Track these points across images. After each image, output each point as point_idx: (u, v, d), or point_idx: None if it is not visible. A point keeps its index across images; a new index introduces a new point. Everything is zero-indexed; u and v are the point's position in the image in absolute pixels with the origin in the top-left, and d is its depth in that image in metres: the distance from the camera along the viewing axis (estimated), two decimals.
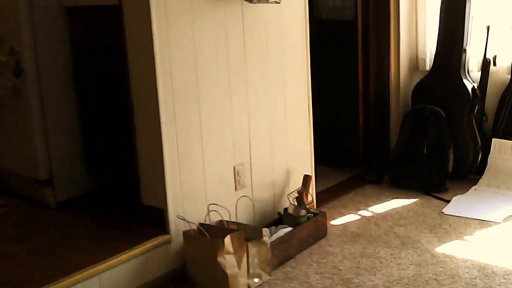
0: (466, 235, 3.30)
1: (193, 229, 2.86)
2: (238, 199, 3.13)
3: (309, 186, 3.41)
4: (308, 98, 3.56)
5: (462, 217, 3.52)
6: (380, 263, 3.03)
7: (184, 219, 2.84)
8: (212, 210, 2.94)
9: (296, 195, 3.34)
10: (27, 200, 3.49)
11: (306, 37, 3.49)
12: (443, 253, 3.09)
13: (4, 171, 3.67)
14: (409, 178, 4.06)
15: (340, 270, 2.98)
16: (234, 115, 3.12)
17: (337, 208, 3.78)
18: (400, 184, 4.08)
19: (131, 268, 2.74)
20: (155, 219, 2.89)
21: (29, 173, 3.42)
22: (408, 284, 2.80)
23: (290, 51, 3.41)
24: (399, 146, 4.15)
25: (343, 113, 4.48)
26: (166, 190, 2.83)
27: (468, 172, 4.11)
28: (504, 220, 3.45)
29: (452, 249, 3.13)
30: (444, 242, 3.22)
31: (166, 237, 2.86)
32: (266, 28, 3.24)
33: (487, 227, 3.38)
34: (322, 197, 3.85)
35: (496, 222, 3.43)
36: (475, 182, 4.00)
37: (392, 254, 3.11)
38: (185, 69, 2.85)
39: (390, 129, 4.37)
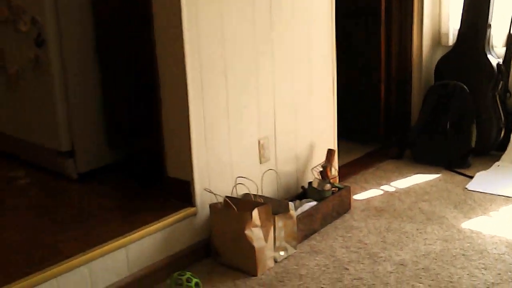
0: (492, 211, 3.27)
1: (220, 202, 2.84)
2: (264, 172, 3.10)
3: (333, 161, 3.39)
4: (333, 72, 3.52)
5: (487, 193, 3.49)
6: (406, 237, 3.01)
7: (211, 192, 2.82)
8: (239, 183, 2.92)
9: (321, 169, 3.32)
10: (47, 172, 3.47)
11: (332, 10, 3.44)
12: (470, 229, 3.07)
13: (24, 142, 3.65)
14: (431, 153, 4.01)
15: (366, 244, 2.97)
16: (260, 89, 3.08)
17: (359, 183, 3.75)
18: (422, 159, 4.04)
19: (158, 240, 2.73)
20: (181, 192, 2.87)
21: (51, 144, 3.40)
22: (436, 259, 2.78)
23: (315, 25, 3.36)
24: (421, 121, 4.11)
25: (364, 87, 4.42)
26: (193, 163, 2.81)
27: (491, 148, 4.07)
28: None
29: (478, 224, 3.11)
30: (469, 218, 3.19)
31: (192, 209, 2.85)
32: (292, 2, 3.18)
33: None
34: (344, 172, 3.81)
35: None
36: (497, 158, 3.97)
37: (417, 229, 3.09)
38: (212, 42, 2.81)
39: (411, 104, 4.32)
